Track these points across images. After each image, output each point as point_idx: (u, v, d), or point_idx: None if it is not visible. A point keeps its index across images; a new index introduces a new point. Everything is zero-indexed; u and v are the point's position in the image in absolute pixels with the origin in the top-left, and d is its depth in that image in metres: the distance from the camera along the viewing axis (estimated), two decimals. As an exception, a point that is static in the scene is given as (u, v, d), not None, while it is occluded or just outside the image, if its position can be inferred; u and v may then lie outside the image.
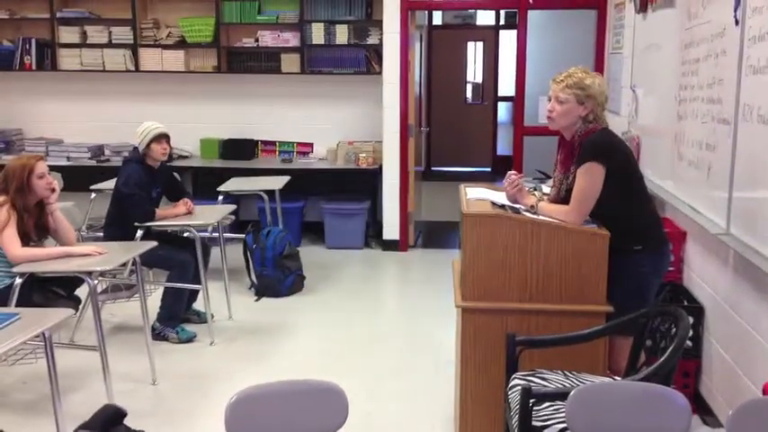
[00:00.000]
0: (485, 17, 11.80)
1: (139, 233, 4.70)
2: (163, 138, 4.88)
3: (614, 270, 3.08)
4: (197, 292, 5.05)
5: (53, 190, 4.02)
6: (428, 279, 6.32)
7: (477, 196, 3.49)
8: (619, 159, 3.14)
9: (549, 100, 3.24)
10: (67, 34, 7.35)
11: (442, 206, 8.28)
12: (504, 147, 11.17)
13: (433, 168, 11.31)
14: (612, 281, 3.09)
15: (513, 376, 2.83)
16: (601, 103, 3.20)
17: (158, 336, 4.79)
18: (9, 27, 7.46)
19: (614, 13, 6.33)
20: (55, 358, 3.06)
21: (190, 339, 4.85)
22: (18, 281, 3.70)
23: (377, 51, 7.17)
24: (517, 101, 7.16)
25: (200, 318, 5.08)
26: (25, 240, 3.87)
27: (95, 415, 2.31)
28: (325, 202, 7.21)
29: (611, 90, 6.24)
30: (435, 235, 7.83)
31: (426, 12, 9.52)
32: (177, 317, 4.91)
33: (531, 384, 2.58)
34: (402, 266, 6.92)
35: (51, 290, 3.99)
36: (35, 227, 3.96)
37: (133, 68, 7.28)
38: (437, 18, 11.55)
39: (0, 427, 3.47)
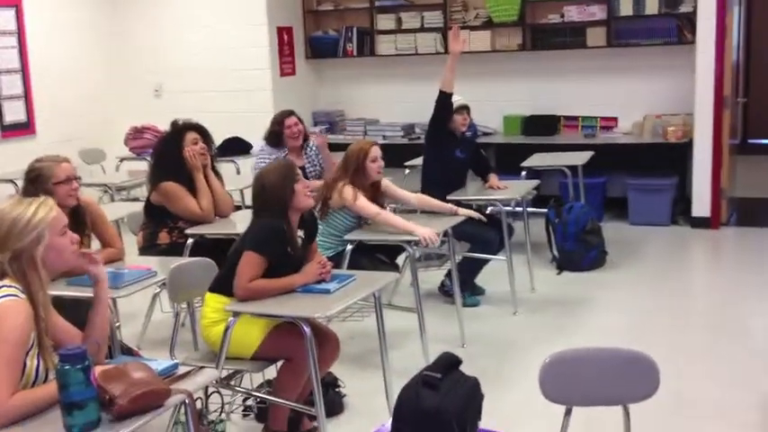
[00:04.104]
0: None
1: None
2: (463, 109, 5.18)
3: None
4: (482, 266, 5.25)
5: (378, 172, 4.46)
6: (743, 259, 5.95)
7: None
8: None
9: None
10: (384, 21, 7.96)
11: (761, 181, 7.67)
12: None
13: (750, 141, 10.44)
14: None
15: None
16: None
17: (446, 293, 5.13)
18: (334, 18, 8.25)
19: None
20: (383, 318, 3.44)
21: (474, 305, 5.11)
22: (349, 247, 4.19)
23: (689, 19, 6.81)
24: None
25: (477, 291, 5.31)
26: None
27: (437, 360, 2.61)
28: (630, 177, 7.05)
29: None
30: (752, 213, 7.28)
31: (746, -29, 8.79)
32: (467, 282, 5.17)
33: None
34: (713, 245, 6.56)
35: (376, 256, 4.42)
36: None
37: (443, 51, 7.68)
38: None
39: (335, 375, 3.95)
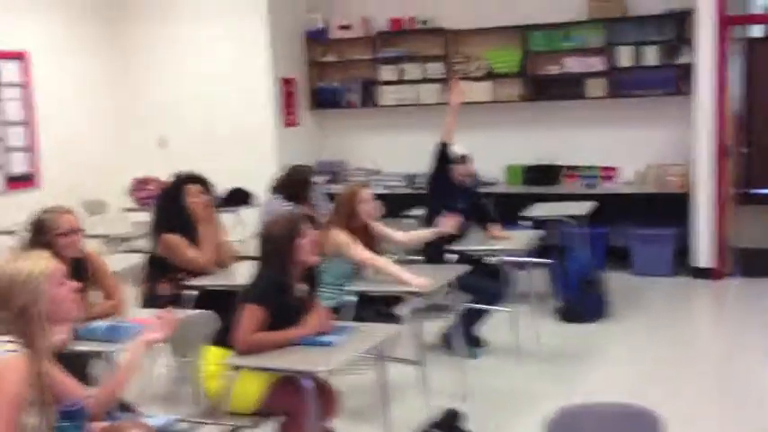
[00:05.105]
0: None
1: (451, 257, 5.01)
2: (465, 159, 5.26)
3: None
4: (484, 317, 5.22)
5: (370, 214, 4.47)
6: (747, 311, 5.91)
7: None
8: None
9: None
10: (387, 72, 8.06)
11: (764, 232, 7.65)
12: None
13: (752, 191, 10.44)
14: None
15: None
16: None
17: (447, 345, 5.06)
18: (337, 69, 8.34)
19: None
20: (385, 370, 3.40)
21: (475, 357, 5.04)
22: (352, 299, 4.16)
23: (688, 70, 6.89)
24: None
25: (479, 344, 5.23)
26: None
27: (438, 416, 2.59)
28: (632, 227, 7.05)
29: None
30: (756, 263, 7.24)
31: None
32: (468, 334, 5.08)
33: None
34: (716, 296, 6.54)
35: (376, 307, 4.39)
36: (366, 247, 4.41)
37: (445, 101, 7.75)
38: (757, 30, 10.70)
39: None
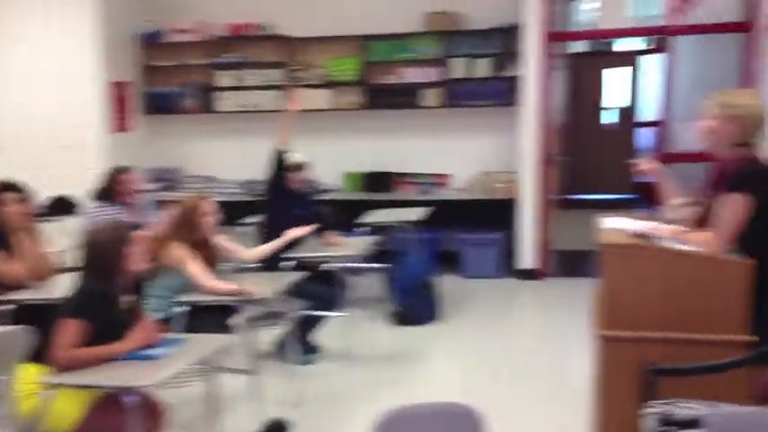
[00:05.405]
0: (623, 42, 11.60)
1: (286, 264, 5.00)
2: (302, 166, 5.31)
3: (759, 302, 3.02)
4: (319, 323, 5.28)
5: (211, 227, 4.37)
6: (564, 308, 6.31)
7: (615, 225, 3.50)
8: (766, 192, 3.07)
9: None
10: (225, 78, 7.93)
11: (578, 234, 8.14)
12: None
13: (568, 196, 11.15)
14: (758, 312, 3.02)
15: (650, 404, 2.82)
16: (751, 126, 3.11)
17: (281, 352, 5.05)
18: (173, 74, 8.11)
19: None
20: (216, 381, 3.34)
21: (309, 363, 5.08)
22: (182, 309, 4.05)
23: (517, 83, 7.26)
24: (659, 126, 7.03)
25: (313, 350, 5.26)
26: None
27: (266, 426, 2.56)
28: (462, 231, 7.34)
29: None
30: (571, 264, 7.76)
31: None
32: (303, 341, 5.12)
33: (667, 412, 2.58)
34: (538, 295, 6.94)
35: (208, 317, 4.30)
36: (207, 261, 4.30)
37: (283, 108, 7.72)
38: (575, 45, 11.47)
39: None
